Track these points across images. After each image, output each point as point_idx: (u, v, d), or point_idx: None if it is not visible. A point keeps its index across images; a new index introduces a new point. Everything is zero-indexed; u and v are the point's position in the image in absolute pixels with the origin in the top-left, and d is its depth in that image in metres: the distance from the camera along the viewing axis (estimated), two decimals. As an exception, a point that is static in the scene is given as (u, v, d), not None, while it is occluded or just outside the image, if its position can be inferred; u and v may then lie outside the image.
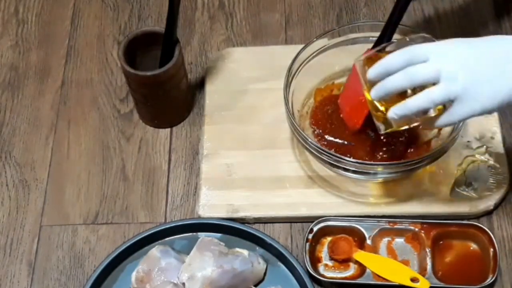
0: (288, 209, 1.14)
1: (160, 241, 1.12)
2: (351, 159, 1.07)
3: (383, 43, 1.09)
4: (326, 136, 1.14)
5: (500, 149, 1.16)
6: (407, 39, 1.01)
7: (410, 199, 1.13)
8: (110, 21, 1.36)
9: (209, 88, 1.26)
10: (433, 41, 1.13)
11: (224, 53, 1.29)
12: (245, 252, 1.08)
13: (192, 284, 1.05)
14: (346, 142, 1.13)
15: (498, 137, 1.16)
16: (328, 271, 1.10)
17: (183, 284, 1.05)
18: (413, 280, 1.06)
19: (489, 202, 1.12)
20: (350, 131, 1.13)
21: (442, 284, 1.06)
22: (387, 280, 1.07)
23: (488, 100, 0.91)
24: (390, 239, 1.11)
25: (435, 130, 1.13)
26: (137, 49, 1.17)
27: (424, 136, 1.14)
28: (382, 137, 1.11)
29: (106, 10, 1.37)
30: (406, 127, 1.00)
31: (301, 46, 1.16)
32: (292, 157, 1.18)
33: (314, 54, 1.17)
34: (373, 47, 1.10)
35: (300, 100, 1.17)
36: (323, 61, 1.17)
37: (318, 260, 1.10)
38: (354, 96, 1.08)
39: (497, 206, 1.13)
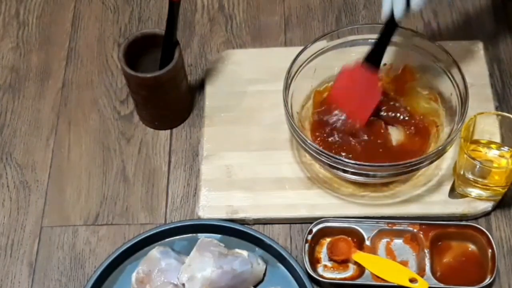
0: (287, 210, 1.15)
1: (160, 242, 1.12)
2: (350, 161, 1.07)
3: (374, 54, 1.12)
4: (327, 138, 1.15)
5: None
6: None
7: (408, 200, 1.14)
8: (110, 23, 1.37)
9: (209, 89, 1.26)
10: (432, 42, 1.14)
11: (223, 55, 1.30)
12: (244, 253, 1.09)
13: (192, 285, 1.05)
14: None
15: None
16: (327, 272, 1.10)
17: (183, 285, 1.06)
18: (412, 280, 1.06)
19: (487, 203, 1.13)
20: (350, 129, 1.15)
21: (440, 285, 1.06)
22: (386, 281, 1.07)
23: None
24: (389, 240, 1.11)
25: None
26: (137, 51, 1.17)
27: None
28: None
29: (106, 12, 1.38)
30: None
31: (300, 48, 1.16)
32: (291, 158, 1.19)
33: (313, 56, 1.17)
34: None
35: (299, 102, 1.17)
36: (322, 63, 1.17)
37: (317, 261, 1.11)
38: (356, 96, 1.13)
39: (495, 207, 1.14)
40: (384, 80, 1.20)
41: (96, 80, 1.30)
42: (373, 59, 1.12)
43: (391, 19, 1.07)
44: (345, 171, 1.09)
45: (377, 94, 1.14)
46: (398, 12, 1.05)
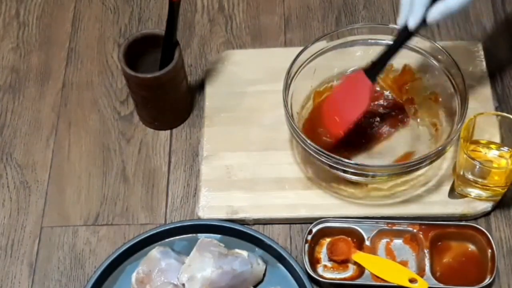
0: (287, 211, 1.15)
1: (160, 242, 1.12)
2: (350, 161, 1.07)
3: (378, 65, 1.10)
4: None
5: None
6: None
7: (408, 200, 1.14)
8: (110, 23, 1.37)
9: (209, 90, 1.26)
10: (432, 42, 1.14)
11: (223, 56, 1.30)
12: (244, 253, 1.09)
13: (192, 285, 1.05)
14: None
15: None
16: (327, 272, 1.10)
17: (183, 285, 1.06)
18: (412, 281, 1.06)
19: (487, 204, 1.13)
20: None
21: (440, 285, 1.06)
22: (385, 281, 1.07)
23: None
24: (388, 240, 1.11)
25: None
26: (137, 51, 1.18)
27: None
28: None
29: (106, 13, 1.38)
30: None
31: (300, 48, 1.16)
32: (291, 158, 1.19)
33: (313, 57, 1.17)
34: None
35: (299, 102, 1.17)
36: (322, 63, 1.18)
37: (317, 261, 1.11)
38: (347, 105, 1.11)
39: (495, 207, 1.14)
40: (384, 80, 1.20)
41: (96, 81, 1.31)
42: (372, 70, 1.10)
43: (405, 28, 1.05)
44: (345, 171, 1.09)
45: (363, 104, 1.10)
46: (413, 24, 1.04)
